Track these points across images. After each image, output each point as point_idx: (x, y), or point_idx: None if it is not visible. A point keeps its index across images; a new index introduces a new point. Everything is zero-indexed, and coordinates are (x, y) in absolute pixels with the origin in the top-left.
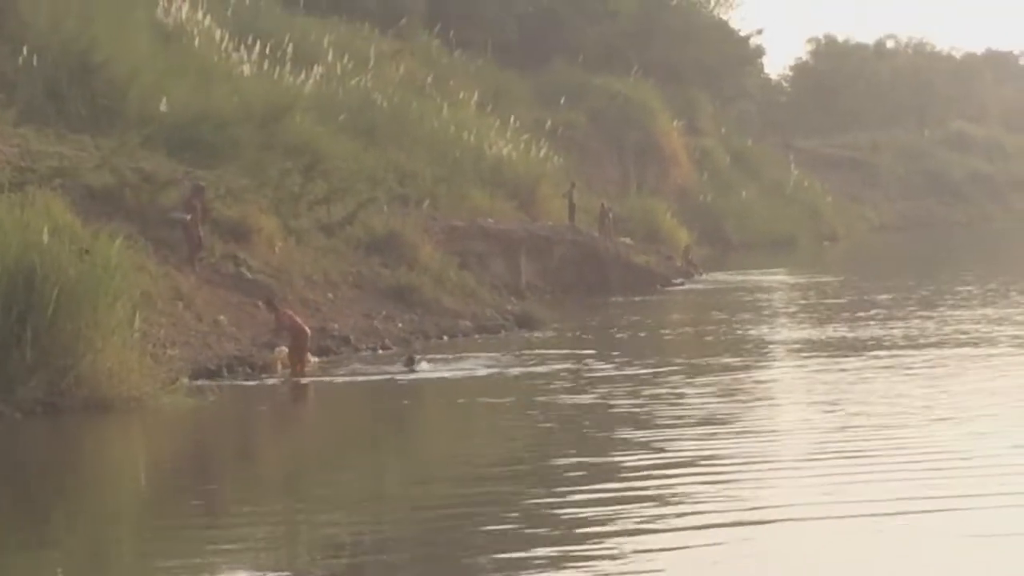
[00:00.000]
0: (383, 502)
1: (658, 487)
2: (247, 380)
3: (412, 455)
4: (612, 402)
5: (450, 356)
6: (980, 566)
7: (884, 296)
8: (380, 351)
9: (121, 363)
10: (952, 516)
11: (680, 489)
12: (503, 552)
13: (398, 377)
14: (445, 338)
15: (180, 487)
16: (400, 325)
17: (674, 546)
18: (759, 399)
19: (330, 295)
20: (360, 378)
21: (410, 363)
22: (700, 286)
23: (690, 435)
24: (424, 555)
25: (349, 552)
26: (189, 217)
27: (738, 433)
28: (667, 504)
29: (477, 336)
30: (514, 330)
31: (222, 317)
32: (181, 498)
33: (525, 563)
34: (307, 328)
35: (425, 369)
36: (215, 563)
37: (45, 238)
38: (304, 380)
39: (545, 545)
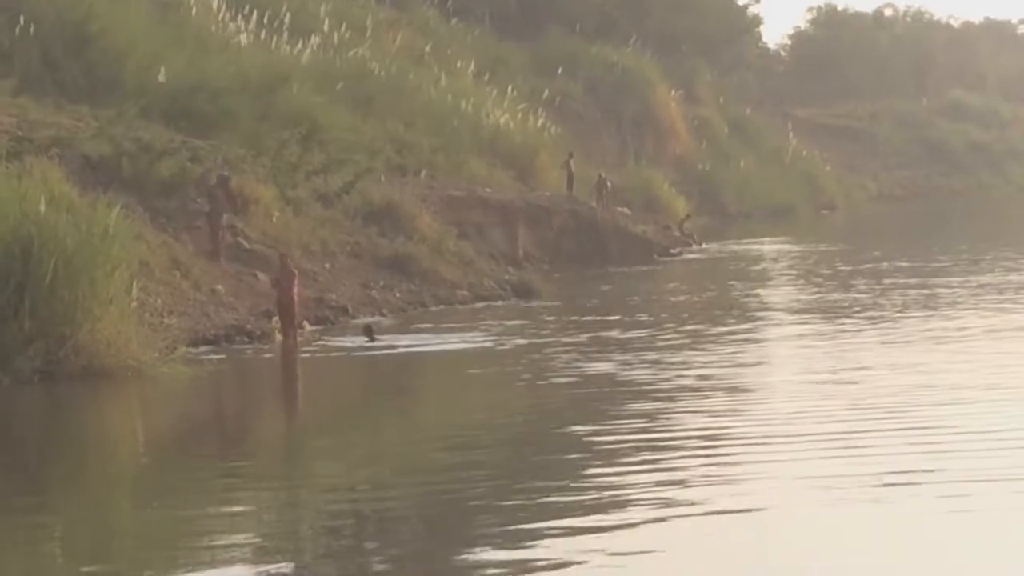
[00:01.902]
0: (381, 471)
1: (657, 461)
2: (244, 349)
3: (406, 426)
4: (612, 372)
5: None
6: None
7: (883, 265)
8: (380, 316)
9: (119, 332)
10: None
11: (681, 462)
12: (504, 528)
13: (396, 349)
14: (442, 307)
15: (177, 455)
16: (398, 295)
17: (674, 520)
18: (762, 370)
19: (328, 265)
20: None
21: (368, 332)
22: (697, 256)
23: (693, 408)
24: (425, 529)
25: (349, 516)
26: (209, 208)
27: (742, 407)
28: (666, 479)
29: (477, 304)
30: (511, 300)
31: (220, 287)
32: (178, 466)
33: (527, 540)
34: (294, 296)
35: (382, 341)
36: (213, 532)
37: (42, 208)
38: (292, 350)
39: (549, 520)
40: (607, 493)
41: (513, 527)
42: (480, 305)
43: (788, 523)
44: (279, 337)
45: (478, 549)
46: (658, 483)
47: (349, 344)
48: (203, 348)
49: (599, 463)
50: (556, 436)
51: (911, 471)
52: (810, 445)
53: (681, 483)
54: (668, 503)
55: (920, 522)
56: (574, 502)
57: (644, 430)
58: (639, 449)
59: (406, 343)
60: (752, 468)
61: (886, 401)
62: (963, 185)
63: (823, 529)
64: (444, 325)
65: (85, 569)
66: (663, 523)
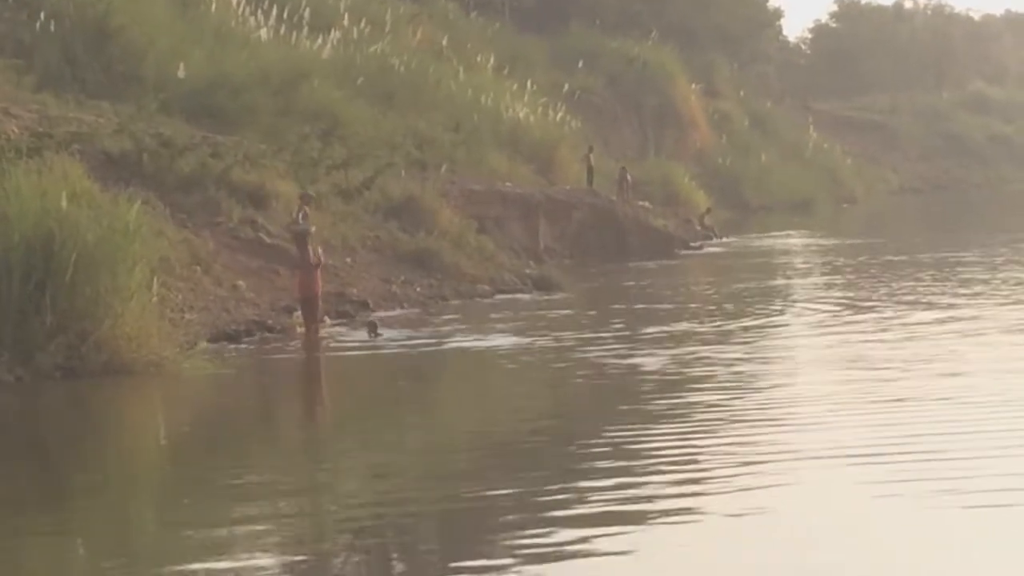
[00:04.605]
0: (403, 468)
1: (678, 458)
2: (266, 344)
3: (429, 425)
4: (637, 368)
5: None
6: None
7: (904, 258)
8: (399, 311)
9: (140, 328)
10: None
11: (709, 463)
12: (523, 528)
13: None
14: (463, 301)
15: (197, 452)
16: (419, 289)
17: (691, 518)
18: (788, 364)
19: (348, 260)
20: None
21: (373, 329)
22: (719, 249)
23: (722, 406)
24: (447, 534)
25: (372, 519)
26: (314, 228)
27: (774, 405)
28: (686, 476)
29: (497, 298)
30: (532, 294)
31: (241, 282)
32: (199, 463)
33: (546, 539)
34: (318, 289)
35: (388, 336)
36: (236, 529)
37: (63, 204)
38: (315, 345)
39: (568, 516)
40: (632, 493)
41: (537, 528)
42: (501, 299)
43: (811, 528)
44: (301, 331)
45: (500, 556)
46: (680, 482)
47: (354, 340)
48: (224, 343)
49: (626, 464)
50: (581, 435)
51: (960, 476)
52: (843, 447)
53: (707, 483)
54: (694, 508)
55: (952, 529)
56: (597, 502)
57: (673, 431)
58: (668, 450)
59: (428, 339)
60: (779, 467)
61: (922, 401)
62: (983, 178)
63: (852, 534)
64: (465, 320)
65: (105, 565)
66: (688, 525)
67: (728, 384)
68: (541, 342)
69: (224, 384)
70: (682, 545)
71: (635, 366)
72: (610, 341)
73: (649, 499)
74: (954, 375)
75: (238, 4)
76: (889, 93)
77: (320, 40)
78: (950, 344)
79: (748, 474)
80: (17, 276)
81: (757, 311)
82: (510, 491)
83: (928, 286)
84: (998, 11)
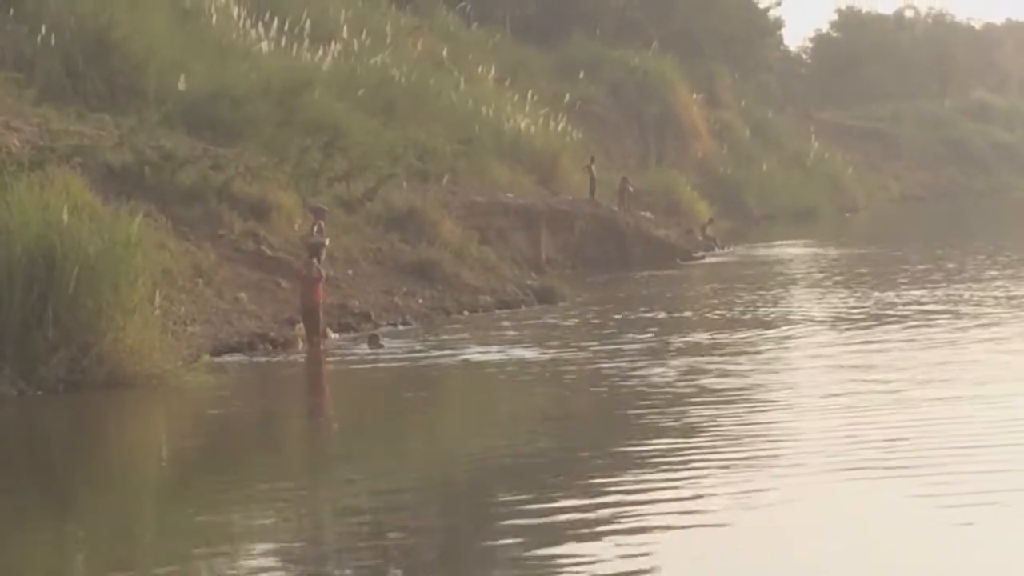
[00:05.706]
0: (404, 481)
1: (687, 472)
2: (268, 357)
3: (431, 437)
4: (641, 380)
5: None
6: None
7: (908, 267)
8: (400, 327)
9: (142, 340)
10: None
11: (710, 479)
12: (522, 539)
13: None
14: (465, 313)
15: (200, 465)
16: (421, 301)
17: (698, 534)
18: (796, 376)
19: (350, 271)
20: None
21: (375, 342)
22: (721, 259)
23: (725, 418)
24: (447, 544)
25: (371, 531)
26: (328, 241)
27: (780, 418)
28: (694, 490)
29: (500, 310)
30: (535, 305)
31: (242, 294)
32: (201, 476)
33: (545, 547)
34: (319, 301)
35: (389, 348)
36: (236, 543)
37: (65, 217)
38: (317, 358)
39: (568, 526)
40: (631, 510)
41: (542, 547)
42: (503, 311)
43: (820, 543)
44: (301, 344)
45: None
46: (681, 498)
47: (356, 352)
48: (226, 356)
49: (627, 478)
50: (585, 448)
51: (973, 492)
52: (851, 459)
53: (716, 497)
54: (691, 524)
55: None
56: (598, 519)
57: (675, 442)
58: (668, 463)
59: (429, 351)
60: (788, 482)
61: (931, 416)
62: (985, 186)
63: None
64: (466, 332)
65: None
66: (681, 541)
67: (737, 397)
68: (544, 354)
69: (226, 397)
70: (692, 559)
71: (641, 378)
72: (614, 352)
73: (659, 515)
74: (960, 390)
75: (239, 16)
76: (891, 101)
77: (321, 52)
78: (958, 356)
79: (755, 485)
80: (19, 289)
81: (763, 322)
82: (512, 504)
83: (933, 297)
84: (999, 19)
